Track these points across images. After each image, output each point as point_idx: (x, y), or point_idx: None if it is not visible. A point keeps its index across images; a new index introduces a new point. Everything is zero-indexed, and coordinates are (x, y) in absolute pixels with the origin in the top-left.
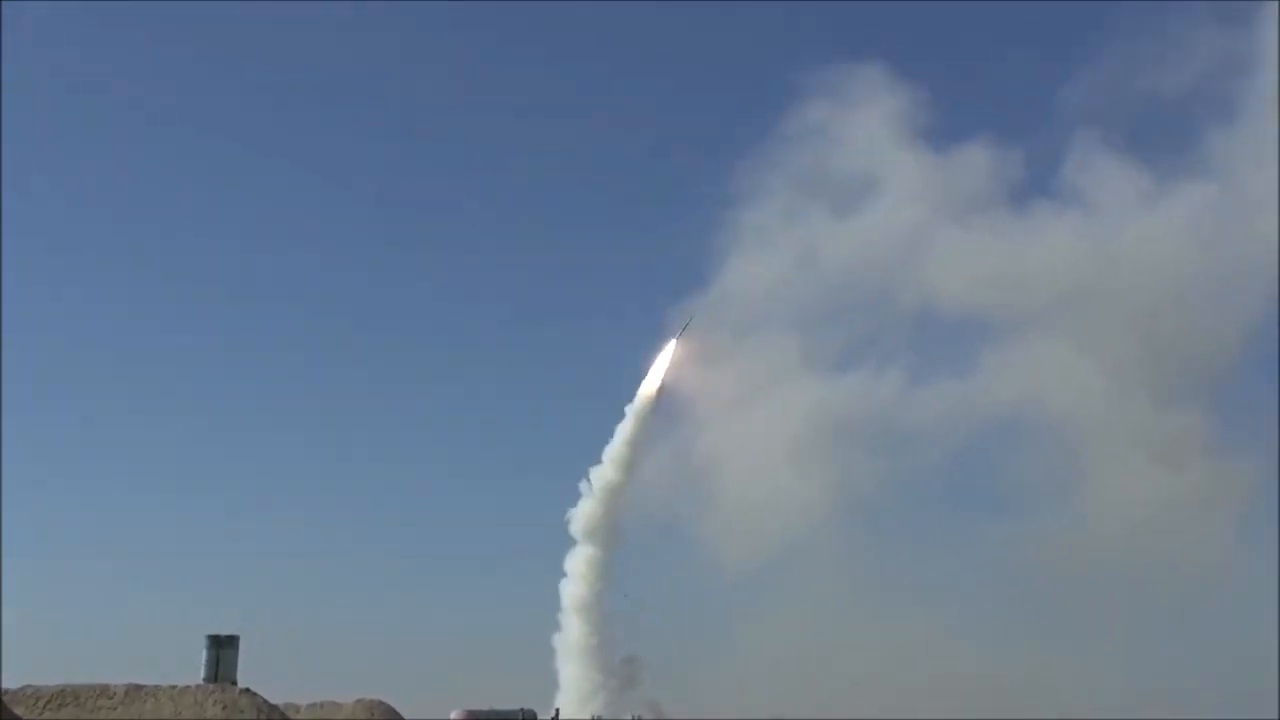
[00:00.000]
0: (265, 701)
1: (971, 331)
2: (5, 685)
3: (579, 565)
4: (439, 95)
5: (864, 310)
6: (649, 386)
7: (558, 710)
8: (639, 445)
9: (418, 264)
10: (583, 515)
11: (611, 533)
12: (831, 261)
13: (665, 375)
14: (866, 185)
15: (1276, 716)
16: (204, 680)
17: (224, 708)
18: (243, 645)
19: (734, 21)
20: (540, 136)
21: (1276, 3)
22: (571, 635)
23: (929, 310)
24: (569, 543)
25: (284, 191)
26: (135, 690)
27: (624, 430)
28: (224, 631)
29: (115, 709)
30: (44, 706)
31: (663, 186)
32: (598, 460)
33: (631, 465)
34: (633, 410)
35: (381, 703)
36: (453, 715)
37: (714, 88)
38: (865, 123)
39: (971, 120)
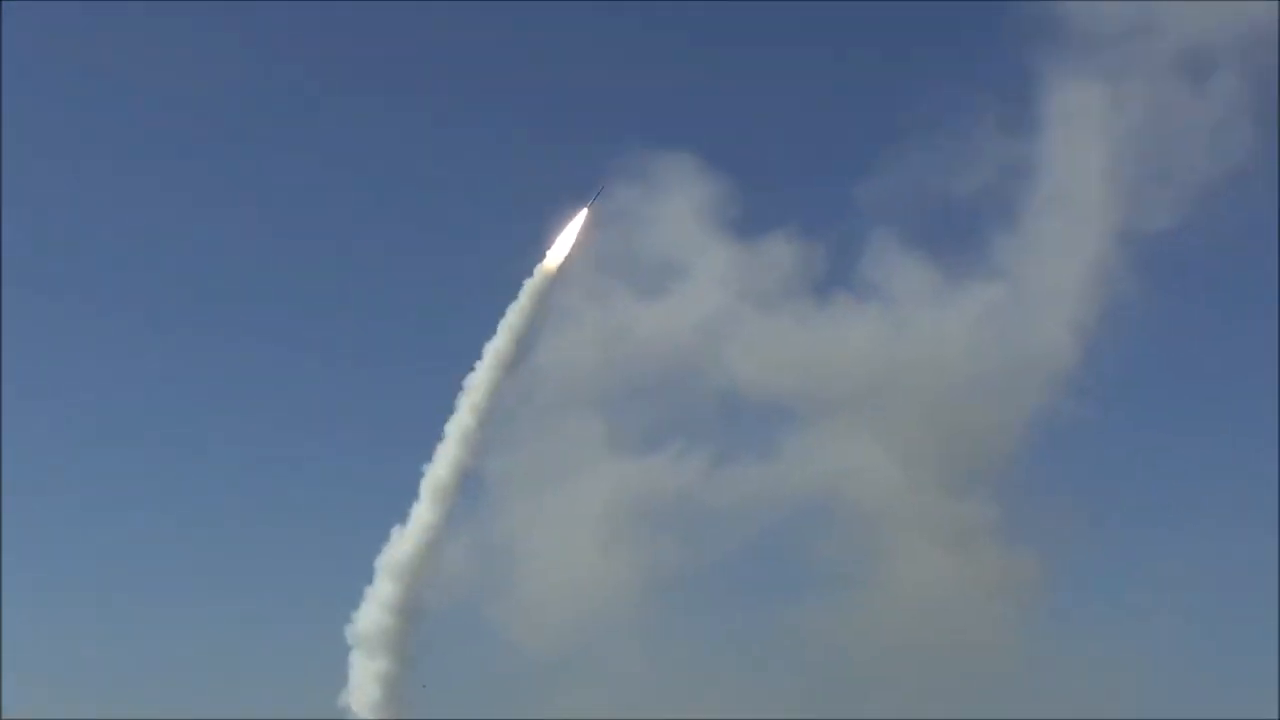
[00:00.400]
0: None
1: (774, 417)
2: None
3: (366, 665)
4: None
5: (670, 393)
6: (551, 261)
7: None
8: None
9: None
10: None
11: (407, 617)
12: (638, 344)
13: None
14: (674, 271)
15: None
16: None
17: None
18: None
19: (543, 106)
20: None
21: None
22: None
23: (733, 395)
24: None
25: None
26: None
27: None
28: None
29: None
30: None
31: (471, 266)
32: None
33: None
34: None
35: None
36: None
37: (524, 170)
38: (674, 209)
39: (776, 212)
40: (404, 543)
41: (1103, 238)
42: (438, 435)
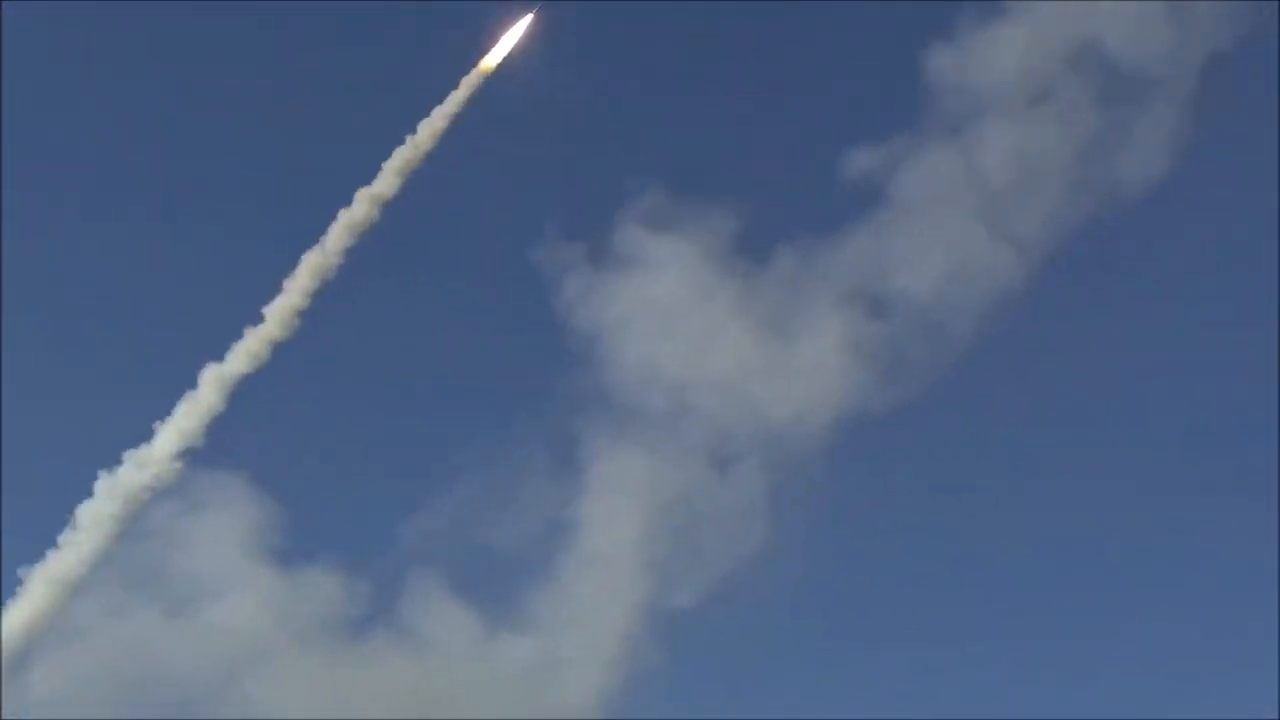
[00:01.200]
0: None
1: None
2: None
3: None
4: None
5: None
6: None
7: None
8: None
9: None
10: None
11: None
12: (159, 668)
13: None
14: (207, 593)
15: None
16: None
17: None
18: None
19: (74, 412)
20: None
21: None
22: None
23: None
24: None
25: None
26: None
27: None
28: None
29: None
30: None
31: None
32: None
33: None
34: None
35: None
36: None
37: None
38: (216, 529)
39: (322, 543)
40: None
41: (632, 606)
42: None
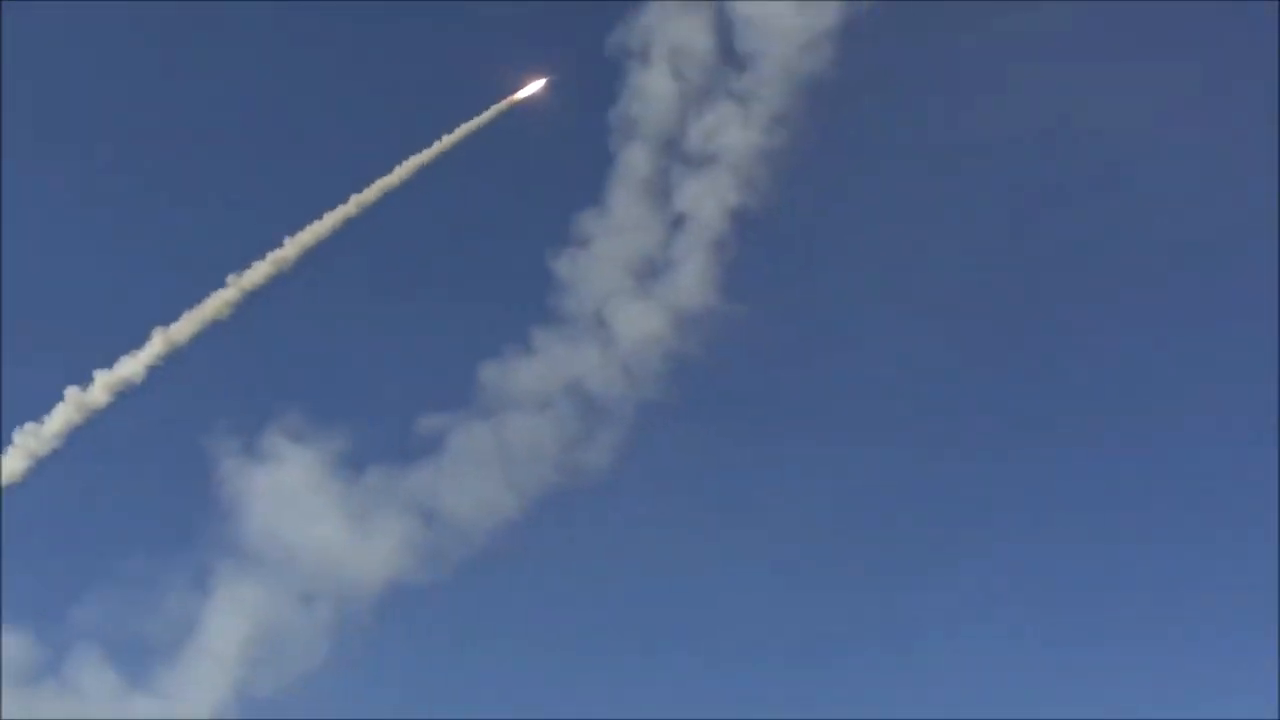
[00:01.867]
0: None
1: None
2: None
3: None
4: None
5: None
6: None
7: None
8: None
9: None
10: None
11: None
12: None
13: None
14: None
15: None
16: None
17: None
18: None
19: None
20: None
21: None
22: None
23: None
24: None
25: None
26: None
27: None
28: None
29: None
30: None
31: None
32: None
33: None
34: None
35: None
36: None
37: None
38: None
39: (14, 613)
40: None
41: (229, 687)
42: None
